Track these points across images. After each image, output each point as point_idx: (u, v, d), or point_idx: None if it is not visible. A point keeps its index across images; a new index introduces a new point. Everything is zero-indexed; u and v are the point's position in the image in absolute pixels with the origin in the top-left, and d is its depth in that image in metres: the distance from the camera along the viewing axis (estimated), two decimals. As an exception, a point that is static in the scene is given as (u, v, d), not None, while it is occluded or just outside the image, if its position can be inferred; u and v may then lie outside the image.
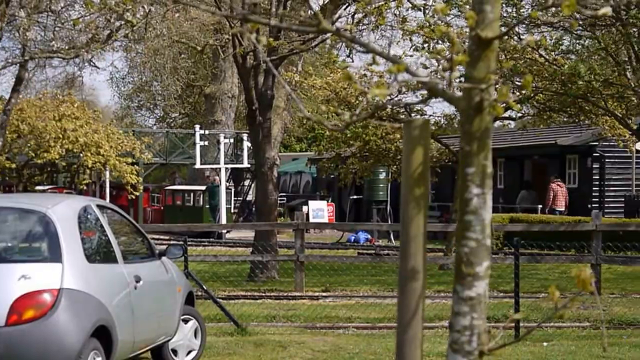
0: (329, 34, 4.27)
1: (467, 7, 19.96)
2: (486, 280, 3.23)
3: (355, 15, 24.94)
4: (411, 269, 3.29)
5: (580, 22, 22.17)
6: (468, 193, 3.13)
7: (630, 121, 25.95)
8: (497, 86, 3.10)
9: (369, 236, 37.37)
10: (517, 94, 26.32)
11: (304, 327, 16.67)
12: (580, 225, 23.34)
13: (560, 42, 22.98)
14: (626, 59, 23.64)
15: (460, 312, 3.21)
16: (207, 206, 43.74)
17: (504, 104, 3.22)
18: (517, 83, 25.03)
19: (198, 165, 43.44)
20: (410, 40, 23.61)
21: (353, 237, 37.42)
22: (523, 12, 21.26)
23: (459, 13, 21.34)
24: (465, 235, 3.16)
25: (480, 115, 3.06)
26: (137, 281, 10.76)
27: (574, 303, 3.00)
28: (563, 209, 35.83)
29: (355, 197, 46.55)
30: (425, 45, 22.13)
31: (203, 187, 45.22)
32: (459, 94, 3.11)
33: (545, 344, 14.60)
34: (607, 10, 3.13)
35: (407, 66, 3.01)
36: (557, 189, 36.88)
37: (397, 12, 24.52)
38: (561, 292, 12.24)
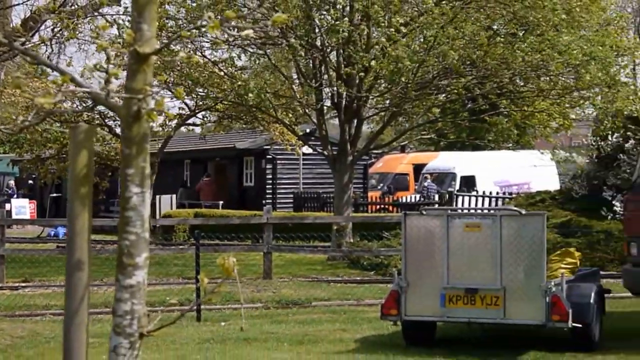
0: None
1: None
2: (145, 270, 3.21)
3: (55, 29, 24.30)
4: (77, 261, 3.23)
5: (253, 41, 22.60)
6: (128, 192, 3.10)
7: (297, 128, 26.64)
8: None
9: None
10: (200, 103, 26.51)
11: (4, 315, 16.02)
12: (254, 219, 23.69)
13: (232, 58, 23.22)
14: (294, 74, 24.29)
15: (121, 299, 3.18)
16: None
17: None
18: (200, 94, 25.17)
19: None
20: (105, 52, 23.24)
21: (53, 232, 36.47)
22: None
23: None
24: (126, 229, 3.14)
25: (139, 123, 3.04)
26: None
27: (221, 288, 3.03)
28: (209, 202, 37.27)
29: (55, 195, 45.48)
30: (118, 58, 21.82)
31: None
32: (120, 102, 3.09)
33: (223, 323, 14.70)
34: (249, 32, 3.19)
35: (72, 77, 2.95)
36: (203, 186, 38.57)
37: (94, 27, 24.06)
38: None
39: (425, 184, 36.99)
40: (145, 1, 3.01)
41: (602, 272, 15.68)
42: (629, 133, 22.68)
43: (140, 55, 3.03)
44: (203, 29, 2.99)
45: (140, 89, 3.05)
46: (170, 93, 24.95)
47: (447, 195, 30.98)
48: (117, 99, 3.06)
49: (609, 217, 21.64)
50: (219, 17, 2.97)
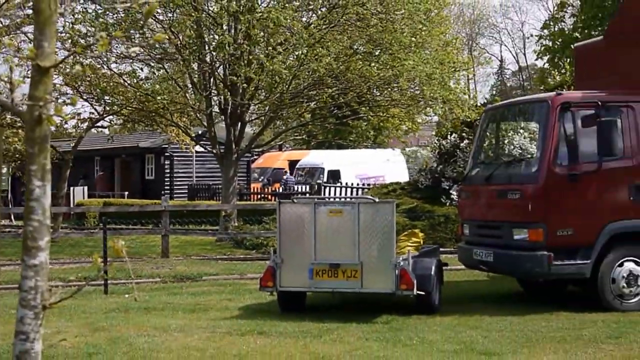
0: None
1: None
2: (47, 251, 3.12)
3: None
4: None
5: (153, 56, 22.38)
6: (32, 185, 3.03)
7: (190, 130, 26.42)
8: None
9: (-8, 217, 35.46)
10: (108, 109, 26.03)
11: None
12: (154, 207, 23.44)
13: (135, 71, 22.87)
14: (188, 84, 24.10)
15: (27, 276, 3.10)
16: None
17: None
18: (107, 101, 24.72)
19: None
20: (9, 65, 22.59)
21: (-20, 219, 35.35)
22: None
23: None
24: (30, 217, 3.06)
25: (40, 126, 2.97)
26: None
27: (111, 266, 2.98)
28: (104, 193, 37.58)
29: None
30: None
31: None
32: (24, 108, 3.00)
33: (126, 295, 14.48)
34: (136, 49, 3.15)
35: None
36: (98, 180, 38.88)
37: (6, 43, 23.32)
38: (139, 256, 12.11)
39: (285, 177, 37.38)
40: (45, 21, 2.94)
41: (441, 249, 15.97)
42: (463, 134, 23.19)
43: (41, 69, 2.96)
44: (95, 46, 2.93)
45: (42, 97, 2.98)
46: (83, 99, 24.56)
47: (316, 186, 31.17)
48: (22, 105, 2.97)
49: (448, 203, 22.08)
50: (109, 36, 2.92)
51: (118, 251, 2.98)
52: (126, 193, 37.43)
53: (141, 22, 19.74)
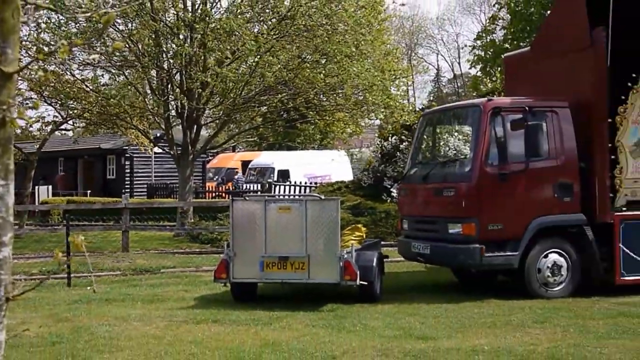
0: None
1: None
2: (10, 247, 3.07)
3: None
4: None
5: (114, 63, 22.14)
6: (-5, 184, 2.98)
7: (149, 133, 26.18)
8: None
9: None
10: (71, 112, 25.66)
11: None
12: (114, 204, 23.18)
13: (97, 77, 22.59)
14: (147, 90, 23.87)
15: (-9, 271, 3.04)
16: None
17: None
18: (70, 106, 24.39)
19: None
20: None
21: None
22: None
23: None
24: (-7, 214, 3.01)
25: (4, 129, 2.93)
26: None
27: (72, 260, 2.94)
28: (65, 192, 37.17)
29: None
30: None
31: None
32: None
33: (88, 288, 14.30)
34: (95, 56, 3.13)
35: None
36: (58, 180, 38.63)
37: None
38: (101, 250, 11.97)
39: (236, 177, 37.36)
40: (9, 30, 2.90)
41: (382, 243, 16.08)
42: (403, 137, 23.35)
43: (5, 74, 2.92)
44: (56, 53, 2.90)
45: (5, 101, 2.94)
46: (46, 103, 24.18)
47: (267, 185, 31.11)
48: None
49: (388, 200, 22.22)
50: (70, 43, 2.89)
51: (78, 246, 2.95)
52: (89, 192, 36.96)
53: (101, 31, 19.51)
